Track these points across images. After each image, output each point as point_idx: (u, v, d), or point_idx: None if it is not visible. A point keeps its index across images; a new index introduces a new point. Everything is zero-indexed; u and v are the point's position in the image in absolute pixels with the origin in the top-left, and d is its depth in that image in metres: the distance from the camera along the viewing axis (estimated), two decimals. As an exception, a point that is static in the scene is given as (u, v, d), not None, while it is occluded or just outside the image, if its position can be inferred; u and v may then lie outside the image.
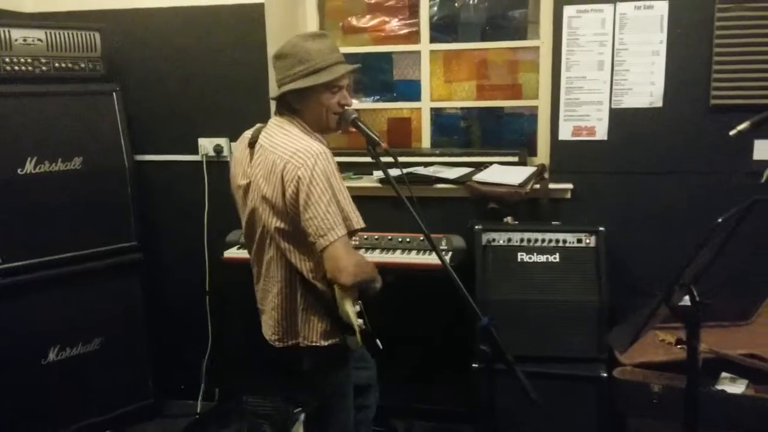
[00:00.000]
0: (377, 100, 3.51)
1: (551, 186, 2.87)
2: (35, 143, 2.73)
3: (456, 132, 3.46)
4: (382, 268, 2.03)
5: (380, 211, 2.52)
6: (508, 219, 2.81)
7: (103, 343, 2.99)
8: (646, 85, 2.76)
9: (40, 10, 3.18)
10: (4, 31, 2.65)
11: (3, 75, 2.66)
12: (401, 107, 3.46)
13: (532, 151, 3.24)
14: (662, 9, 2.69)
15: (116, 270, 3.00)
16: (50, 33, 2.78)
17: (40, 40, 2.76)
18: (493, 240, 2.69)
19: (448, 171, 3.08)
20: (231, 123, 2.88)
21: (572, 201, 2.90)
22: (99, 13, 3.08)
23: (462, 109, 3.43)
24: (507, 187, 2.79)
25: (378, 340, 1.89)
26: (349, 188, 1.87)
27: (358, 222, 1.80)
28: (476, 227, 2.71)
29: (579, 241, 2.61)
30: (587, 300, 2.57)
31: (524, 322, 2.59)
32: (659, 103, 2.76)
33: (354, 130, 1.94)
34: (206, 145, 3.13)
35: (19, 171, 2.68)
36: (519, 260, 2.66)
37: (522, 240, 2.68)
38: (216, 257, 3.01)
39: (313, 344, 1.94)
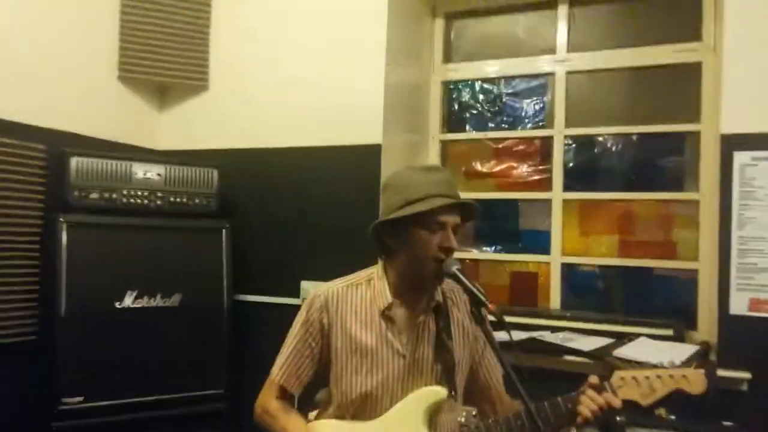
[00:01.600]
0: (500, 251, 3.17)
1: (720, 373, 2.24)
2: (137, 276, 2.65)
3: (592, 293, 2.99)
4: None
5: None
6: (662, 412, 2.20)
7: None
8: None
9: (170, 148, 3.27)
10: (125, 165, 2.68)
11: (119, 206, 2.67)
12: (527, 260, 3.08)
13: (691, 324, 2.69)
14: None
15: (200, 418, 2.73)
16: (170, 168, 2.79)
17: (159, 174, 2.77)
18: (642, 439, 2.09)
19: (581, 340, 2.57)
20: (337, 267, 2.64)
21: (750, 395, 2.24)
22: (221, 153, 3.11)
23: (600, 266, 2.97)
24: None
25: None
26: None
27: (276, 372, 1.67)
28: (619, 418, 2.12)
29: (766, 457, 1.94)
30: None
31: None
32: None
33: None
34: (308, 288, 2.90)
35: (117, 305, 2.59)
36: None
37: None
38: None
39: None
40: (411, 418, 1.53)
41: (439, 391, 1.56)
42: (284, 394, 1.65)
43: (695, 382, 1.44)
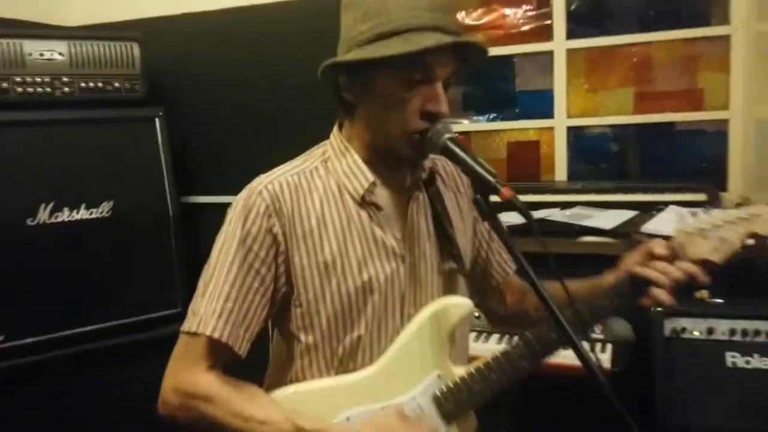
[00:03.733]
0: (494, 119, 2.69)
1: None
2: (51, 186, 2.17)
3: (605, 159, 2.57)
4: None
5: None
6: (704, 294, 1.84)
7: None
8: None
9: (87, 23, 2.66)
10: (13, 44, 2.10)
11: (13, 99, 2.13)
12: (526, 127, 2.64)
13: (721, 185, 2.29)
14: None
15: (155, 345, 2.32)
16: (74, 45, 2.22)
17: (61, 54, 2.19)
18: (684, 330, 1.76)
19: (598, 216, 2.16)
20: (300, 151, 2.18)
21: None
22: (141, 23, 2.56)
23: (613, 126, 2.54)
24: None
25: None
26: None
27: (201, 324, 1.03)
28: (653, 308, 1.76)
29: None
30: None
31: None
32: None
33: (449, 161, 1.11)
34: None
35: (28, 221, 2.13)
36: (730, 364, 1.72)
37: (733, 332, 1.73)
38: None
39: None
40: (432, 349, 1.08)
41: (464, 304, 1.12)
42: (218, 361, 1.06)
43: (765, 221, 1.14)
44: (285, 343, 1.13)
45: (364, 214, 1.08)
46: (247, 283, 1.04)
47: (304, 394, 1.06)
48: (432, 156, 1.13)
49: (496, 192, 0.95)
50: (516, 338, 1.12)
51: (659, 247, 1.09)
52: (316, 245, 1.06)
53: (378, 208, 1.09)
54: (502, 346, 1.11)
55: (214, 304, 1.02)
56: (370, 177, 1.08)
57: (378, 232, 1.08)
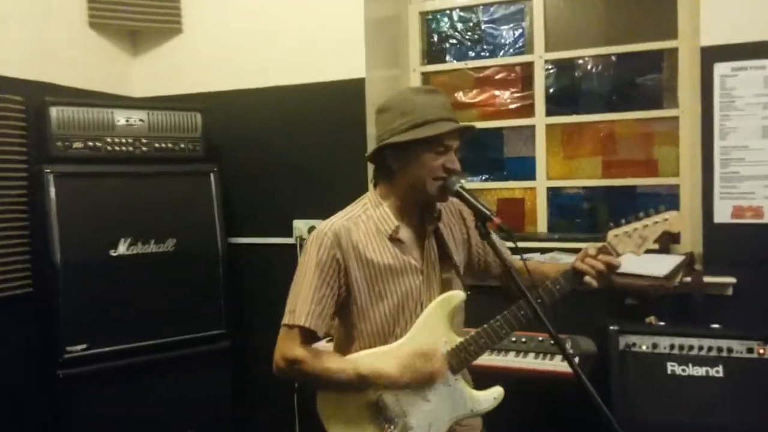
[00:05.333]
0: (486, 180, 3.21)
1: (707, 279, 2.35)
2: (130, 224, 2.64)
3: (578, 214, 3.06)
4: (491, 374, 1.70)
5: (488, 302, 2.12)
6: (652, 319, 2.31)
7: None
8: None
9: (146, 95, 3.21)
10: (106, 113, 2.64)
11: (104, 155, 2.63)
12: (513, 186, 3.14)
13: (674, 238, 2.74)
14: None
15: (204, 358, 2.78)
16: (152, 114, 2.75)
17: (142, 120, 2.73)
18: (634, 344, 2.20)
19: (570, 259, 2.63)
20: (327, 203, 2.66)
21: (735, 298, 2.36)
22: (202, 96, 3.06)
23: (585, 188, 3.04)
24: (649, 279, 2.31)
25: None
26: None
27: (296, 318, 1.53)
28: (611, 327, 2.23)
29: (750, 350, 2.07)
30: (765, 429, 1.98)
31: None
32: None
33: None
34: (300, 226, 2.93)
35: (111, 253, 2.59)
36: (669, 372, 2.15)
37: (673, 346, 2.17)
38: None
39: None
40: (439, 325, 1.57)
41: (459, 294, 1.61)
42: (307, 340, 1.54)
43: (675, 221, 1.54)
44: (344, 329, 1.63)
45: (394, 246, 1.60)
46: (323, 291, 1.53)
47: (363, 356, 1.57)
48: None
49: (490, 220, 1.48)
50: (498, 316, 1.59)
51: (592, 249, 1.56)
52: (365, 265, 1.57)
53: (401, 242, 1.61)
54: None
55: (306, 306, 1.52)
56: (395, 222, 1.60)
57: (404, 256, 1.60)
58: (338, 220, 1.60)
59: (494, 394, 1.59)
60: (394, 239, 1.60)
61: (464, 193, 1.53)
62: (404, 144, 1.54)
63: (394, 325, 1.58)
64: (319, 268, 1.53)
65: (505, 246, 1.67)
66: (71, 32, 2.93)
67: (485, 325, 1.58)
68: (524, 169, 3.07)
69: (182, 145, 2.82)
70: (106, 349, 2.54)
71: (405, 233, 1.63)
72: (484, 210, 1.49)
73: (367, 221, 1.60)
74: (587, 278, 1.53)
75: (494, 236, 1.61)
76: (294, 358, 1.52)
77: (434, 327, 1.58)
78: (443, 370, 1.54)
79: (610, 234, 1.55)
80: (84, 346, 2.48)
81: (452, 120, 1.56)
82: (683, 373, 2.14)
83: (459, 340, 1.58)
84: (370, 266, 1.56)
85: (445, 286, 1.66)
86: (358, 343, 1.59)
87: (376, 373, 1.51)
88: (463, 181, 1.57)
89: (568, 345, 2.36)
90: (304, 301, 1.52)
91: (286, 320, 1.55)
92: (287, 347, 1.53)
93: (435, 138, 1.51)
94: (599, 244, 1.55)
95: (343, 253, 1.54)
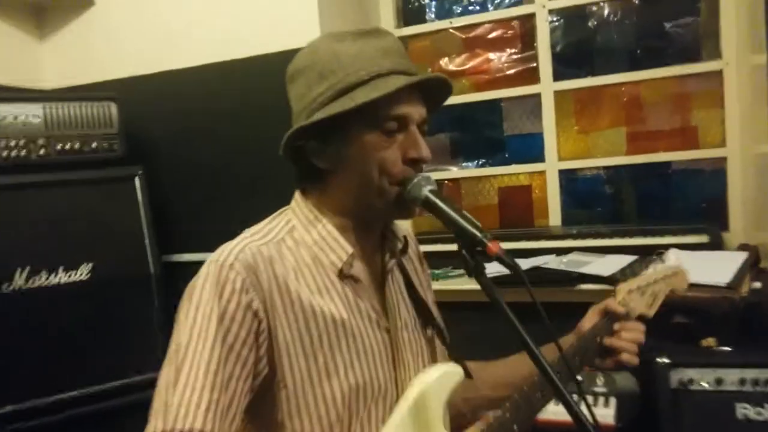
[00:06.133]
0: (483, 165, 2.63)
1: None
2: (27, 250, 2.07)
3: (599, 202, 2.49)
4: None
5: (484, 326, 1.62)
6: (711, 342, 1.72)
7: None
8: None
9: (62, 86, 2.63)
10: (-14, 109, 2.05)
11: None
12: (517, 171, 2.57)
13: (722, 224, 2.20)
14: None
15: (136, 410, 2.20)
16: (50, 107, 2.16)
17: (36, 116, 2.14)
18: (691, 381, 1.64)
19: (596, 262, 2.07)
20: (283, 205, 2.11)
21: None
22: (117, 83, 2.49)
23: (606, 168, 2.47)
24: (706, 290, 1.71)
25: None
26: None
27: (179, 419, 0.85)
28: (659, 360, 1.65)
29: None
30: None
31: None
32: None
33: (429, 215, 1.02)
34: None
35: (5, 287, 2.02)
36: (741, 416, 1.59)
37: (743, 381, 1.60)
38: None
39: None
40: (429, 424, 0.99)
41: (455, 371, 1.03)
42: None
43: (681, 278, 1.32)
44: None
45: (344, 286, 1.00)
46: (229, 369, 0.89)
47: None
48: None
49: (483, 246, 0.88)
50: (504, 403, 1.03)
51: (617, 306, 1.18)
52: (299, 319, 0.94)
53: (357, 280, 1.01)
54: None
55: (198, 395, 0.86)
56: (349, 248, 0.99)
57: (360, 303, 1.00)
58: (251, 243, 0.97)
59: None
60: (346, 276, 1.00)
61: (437, 201, 0.94)
62: (326, 127, 0.95)
63: (349, 422, 0.97)
64: (222, 328, 0.89)
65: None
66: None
67: (491, 419, 1.02)
68: (530, 149, 2.52)
69: (94, 145, 2.23)
70: (7, 409, 1.97)
71: (359, 266, 1.03)
72: (472, 229, 0.90)
73: (295, 248, 0.99)
74: (625, 356, 1.17)
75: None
76: None
77: (421, 422, 0.98)
78: None
79: (623, 290, 1.21)
80: (-29, 411, 1.93)
81: (405, 73, 0.96)
82: (758, 417, 1.57)
83: None
84: (309, 321, 0.95)
85: (431, 352, 1.09)
86: None
87: None
88: (433, 182, 0.98)
89: (598, 382, 1.78)
90: (195, 388, 0.86)
91: (158, 426, 0.85)
92: None
93: (378, 105, 0.92)
94: (602, 305, 1.20)
95: (262, 301, 0.92)
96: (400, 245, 1.08)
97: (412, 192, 0.96)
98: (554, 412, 1.10)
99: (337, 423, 0.95)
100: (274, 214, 1.07)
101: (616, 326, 1.18)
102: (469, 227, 0.90)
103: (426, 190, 0.95)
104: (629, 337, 1.17)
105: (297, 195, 1.07)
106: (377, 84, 0.93)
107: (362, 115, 0.93)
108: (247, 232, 1.01)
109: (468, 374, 1.04)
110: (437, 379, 1.01)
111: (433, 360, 1.10)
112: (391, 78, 0.94)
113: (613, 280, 1.92)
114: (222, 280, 0.91)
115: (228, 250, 0.95)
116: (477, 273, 0.90)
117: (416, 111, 0.97)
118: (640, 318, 1.22)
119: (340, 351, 0.96)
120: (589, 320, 1.19)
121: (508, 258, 0.87)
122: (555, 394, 0.87)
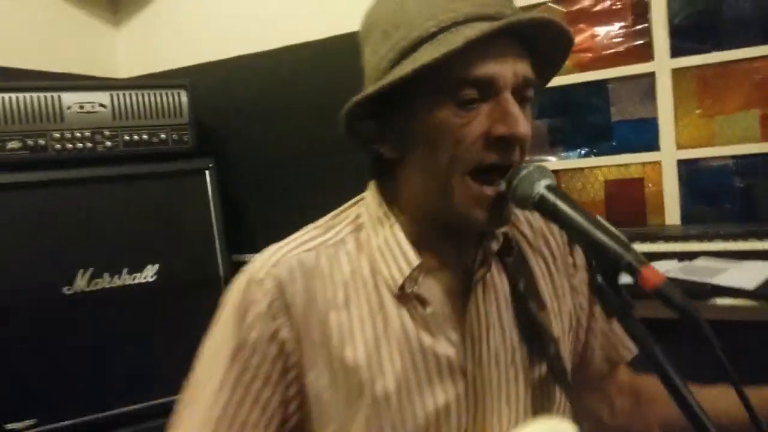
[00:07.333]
0: (587, 155, 2.33)
1: None
2: (90, 250, 1.96)
3: (728, 197, 2.15)
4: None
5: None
6: None
7: None
8: None
9: (135, 74, 2.53)
10: (51, 98, 1.94)
11: (50, 156, 1.96)
12: (627, 162, 2.26)
13: None
14: None
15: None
16: (117, 95, 2.03)
17: (103, 105, 2.01)
18: None
19: (732, 270, 1.74)
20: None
21: None
22: (188, 70, 2.37)
23: (736, 157, 2.13)
24: None
25: None
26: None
27: None
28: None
29: None
30: None
31: None
32: None
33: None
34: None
35: (65, 290, 1.92)
36: None
37: None
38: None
39: None
40: None
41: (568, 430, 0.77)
42: None
43: None
44: None
45: (404, 312, 0.76)
46: (242, 416, 0.74)
47: None
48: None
49: (632, 273, 0.61)
50: None
51: None
52: (340, 358, 0.75)
53: (423, 302, 0.77)
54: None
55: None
56: (414, 260, 0.76)
57: (426, 339, 0.76)
58: (295, 248, 0.79)
59: None
60: (409, 297, 0.76)
61: (559, 202, 0.68)
62: (388, 103, 0.72)
63: None
64: (239, 363, 0.75)
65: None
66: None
67: None
68: (642, 136, 2.21)
69: (163, 136, 2.11)
70: (64, 423, 1.87)
71: (432, 284, 0.78)
72: (616, 245, 0.64)
73: (356, 254, 0.79)
74: None
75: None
76: None
77: None
78: None
79: None
80: (32, 422, 1.82)
81: (492, 18, 0.69)
82: None
83: None
84: (351, 362, 0.74)
85: (537, 399, 0.81)
86: None
87: None
88: (550, 174, 0.71)
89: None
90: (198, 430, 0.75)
91: None
92: None
93: (446, 70, 0.68)
94: None
95: (294, 329, 0.75)
96: (496, 246, 0.82)
97: (520, 189, 0.70)
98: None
99: None
100: (345, 205, 0.86)
101: None
102: (612, 243, 0.63)
103: (541, 187, 0.69)
104: None
105: (371, 185, 0.84)
106: (447, 37, 0.68)
107: (429, 83, 0.69)
108: (304, 230, 0.82)
109: None
110: None
111: (543, 410, 0.82)
112: (469, 26, 0.69)
113: (757, 294, 1.61)
114: (246, 300, 0.76)
115: (264, 258, 0.78)
116: (622, 313, 0.64)
117: (509, 70, 0.70)
118: None
119: (390, 401, 0.73)
120: None
121: (675, 294, 0.59)
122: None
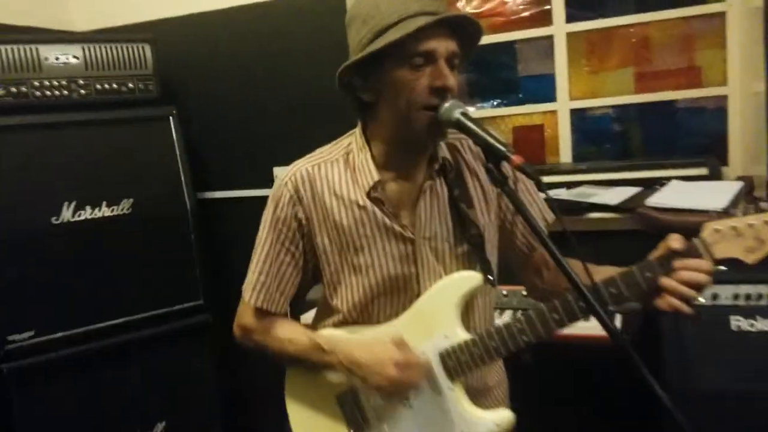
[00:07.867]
0: (498, 105, 2.73)
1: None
2: (73, 185, 2.22)
3: (608, 139, 2.61)
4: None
5: None
6: (709, 263, 1.88)
7: (168, 429, 2.39)
8: None
9: (93, 28, 2.70)
10: (30, 49, 2.15)
11: (32, 102, 2.18)
12: (530, 111, 2.66)
13: (722, 159, 2.33)
14: None
15: (179, 336, 2.40)
16: (89, 48, 2.26)
17: (76, 57, 2.24)
18: (690, 297, 1.78)
19: (603, 193, 2.21)
20: (315, 144, 2.22)
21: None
22: (150, 25, 2.57)
23: (615, 107, 2.58)
24: (704, 215, 1.86)
25: None
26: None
27: (249, 293, 1.29)
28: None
29: (843, 300, 1.65)
30: None
31: (750, 425, 1.68)
32: None
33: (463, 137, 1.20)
34: (283, 175, 2.48)
35: (53, 220, 2.18)
36: (735, 328, 1.75)
37: (737, 296, 1.76)
38: (296, 318, 2.32)
39: None
40: (440, 315, 1.19)
41: (472, 277, 1.19)
42: (262, 313, 1.30)
43: None
44: (324, 298, 1.31)
45: (374, 206, 1.19)
46: (280, 258, 1.25)
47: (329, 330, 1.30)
48: (457, 139, 1.23)
49: (507, 160, 1.02)
50: (519, 313, 1.20)
51: (677, 242, 1.04)
52: (330, 228, 1.21)
53: (382, 203, 1.19)
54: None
55: (252, 277, 1.27)
56: (376, 176, 1.18)
57: (387, 221, 1.19)
58: (307, 163, 1.23)
59: (498, 419, 1.18)
60: (374, 198, 1.19)
61: (466, 122, 1.08)
62: (370, 63, 1.11)
63: (374, 309, 1.24)
64: (274, 229, 1.25)
65: (547, 211, 1.30)
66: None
67: (502, 325, 1.16)
68: (543, 89, 2.61)
69: (130, 85, 2.35)
70: (58, 334, 2.16)
71: (392, 189, 1.21)
72: (497, 144, 1.04)
73: (344, 168, 1.21)
74: (672, 301, 1.03)
75: (530, 191, 1.25)
76: (248, 327, 1.31)
77: (430, 316, 1.19)
78: (416, 372, 1.17)
79: (709, 227, 1.05)
80: (30, 333, 2.10)
81: (428, 14, 1.09)
82: (752, 329, 1.74)
83: (464, 337, 1.17)
84: (340, 230, 1.20)
85: (461, 264, 1.24)
86: (337, 317, 1.29)
87: (331, 345, 1.22)
88: (463, 106, 1.11)
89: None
90: (253, 271, 1.28)
91: (243, 291, 1.31)
92: (241, 313, 1.33)
93: (405, 43, 1.07)
94: (679, 238, 1.05)
95: (305, 210, 1.22)
96: (436, 166, 1.22)
97: (445, 115, 1.10)
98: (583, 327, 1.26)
99: (363, 308, 1.24)
100: (344, 135, 1.28)
101: (677, 264, 1.02)
102: (496, 143, 1.04)
103: (457, 113, 1.09)
104: (685, 278, 1.02)
105: (359, 123, 1.25)
106: (405, 25, 1.08)
107: (393, 53, 1.09)
108: (317, 151, 1.26)
109: (491, 282, 1.19)
110: (453, 281, 1.20)
111: (465, 267, 1.23)
112: (418, 19, 1.08)
113: (619, 208, 2.08)
114: (277, 195, 1.24)
115: (289, 169, 1.24)
116: (502, 182, 1.06)
117: (442, 46, 1.10)
118: (732, 262, 1.04)
119: (363, 255, 1.20)
120: (653, 254, 1.08)
121: (529, 167, 1.00)
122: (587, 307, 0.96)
